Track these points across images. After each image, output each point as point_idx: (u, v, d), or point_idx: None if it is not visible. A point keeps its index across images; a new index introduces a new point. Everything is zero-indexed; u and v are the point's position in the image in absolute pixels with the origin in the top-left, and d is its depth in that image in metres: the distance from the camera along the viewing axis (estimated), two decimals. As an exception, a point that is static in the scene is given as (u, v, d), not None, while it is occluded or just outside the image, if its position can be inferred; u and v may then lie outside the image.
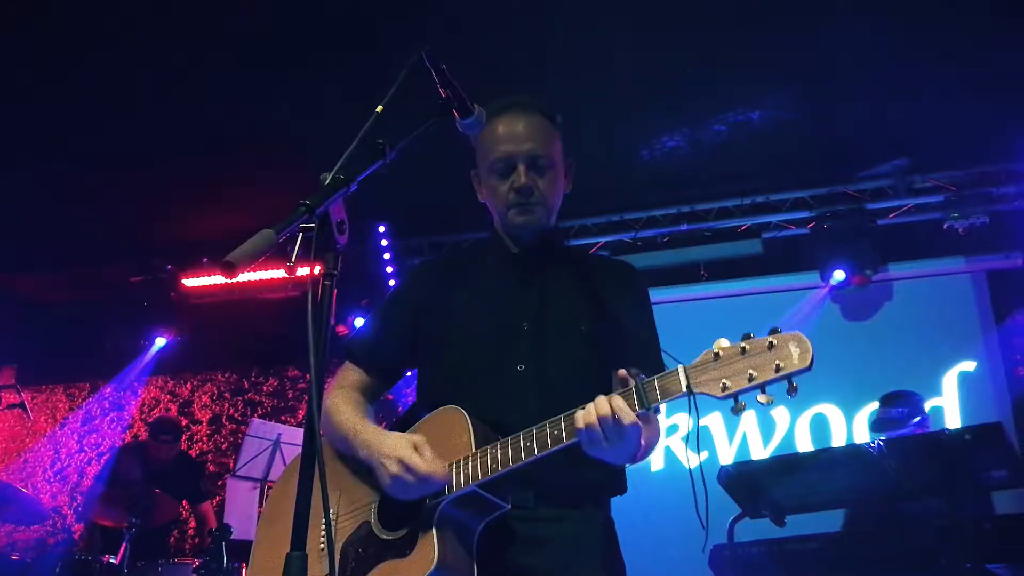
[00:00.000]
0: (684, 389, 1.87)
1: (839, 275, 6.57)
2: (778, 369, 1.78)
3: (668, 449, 6.89)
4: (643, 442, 2.08)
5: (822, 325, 6.81)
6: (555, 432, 2.00)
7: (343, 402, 2.39)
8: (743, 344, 1.84)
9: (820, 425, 6.63)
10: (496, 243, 2.49)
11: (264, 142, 6.19)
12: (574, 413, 1.97)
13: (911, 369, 6.31)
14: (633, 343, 2.30)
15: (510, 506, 2.15)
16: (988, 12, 5.10)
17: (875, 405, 5.61)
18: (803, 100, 5.96)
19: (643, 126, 6.24)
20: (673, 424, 6.90)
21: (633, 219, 7.08)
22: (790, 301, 6.91)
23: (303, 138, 5.89)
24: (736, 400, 1.84)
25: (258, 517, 5.39)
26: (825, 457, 4.74)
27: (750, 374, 1.81)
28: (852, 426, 6.53)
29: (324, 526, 2.25)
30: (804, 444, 6.58)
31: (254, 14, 5.10)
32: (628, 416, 1.91)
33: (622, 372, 1.99)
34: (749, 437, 6.76)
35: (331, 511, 2.30)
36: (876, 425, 5.38)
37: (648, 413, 1.95)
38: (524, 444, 2.04)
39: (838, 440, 6.50)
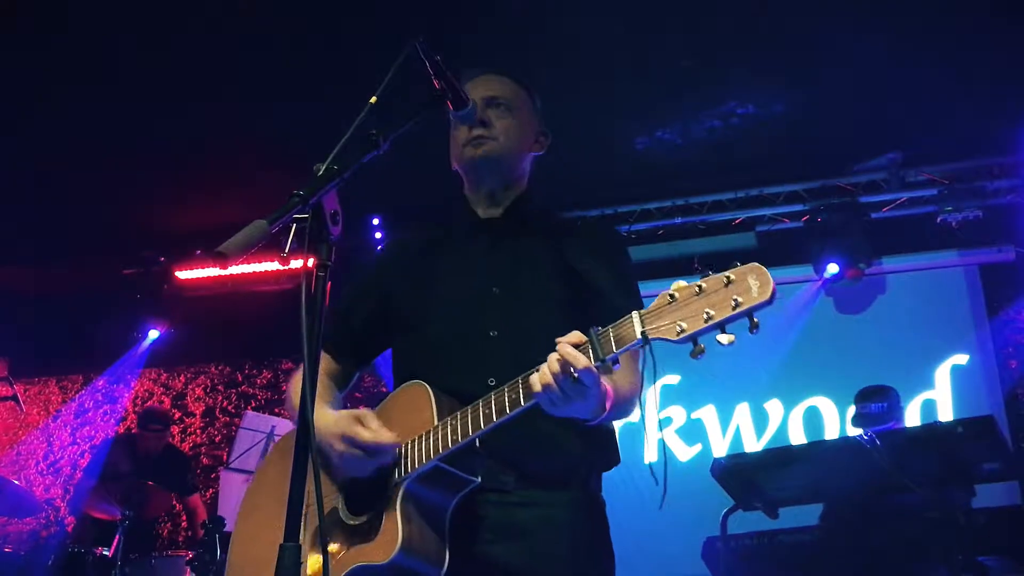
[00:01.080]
0: (639, 336, 1.74)
1: (833, 268, 6.58)
2: (736, 305, 1.65)
3: (661, 442, 6.89)
4: (610, 392, 1.98)
5: (816, 318, 6.83)
6: (512, 396, 1.92)
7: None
8: (699, 283, 1.72)
9: (813, 418, 6.65)
10: (466, 211, 2.44)
11: (258, 134, 6.18)
12: (530, 375, 1.88)
13: (904, 362, 6.34)
14: (609, 306, 2.12)
15: (480, 479, 2.06)
16: (981, 8, 5.10)
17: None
18: (797, 94, 5.96)
19: (637, 119, 6.24)
20: (667, 417, 6.92)
21: (627, 212, 7.08)
22: (784, 294, 6.87)
23: (297, 130, 5.88)
24: (695, 343, 1.71)
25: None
26: (818, 450, 4.76)
27: (707, 313, 1.67)
28: (845, 419, 6.54)
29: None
30: (797, 437, 6.60)
31: (248, 6, 5.09)
32: (583, 369, 1.80)
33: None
34: (742, 430, 6.78)
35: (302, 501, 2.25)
36: (856, 421, 5.41)
37: (608, 364, 1.83)
38: (483, 411, 1.95)
39: (831, 433, 6.52)
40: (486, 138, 2.33)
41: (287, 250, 1.57)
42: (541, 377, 1.84)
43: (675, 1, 5.13)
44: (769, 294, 1.63)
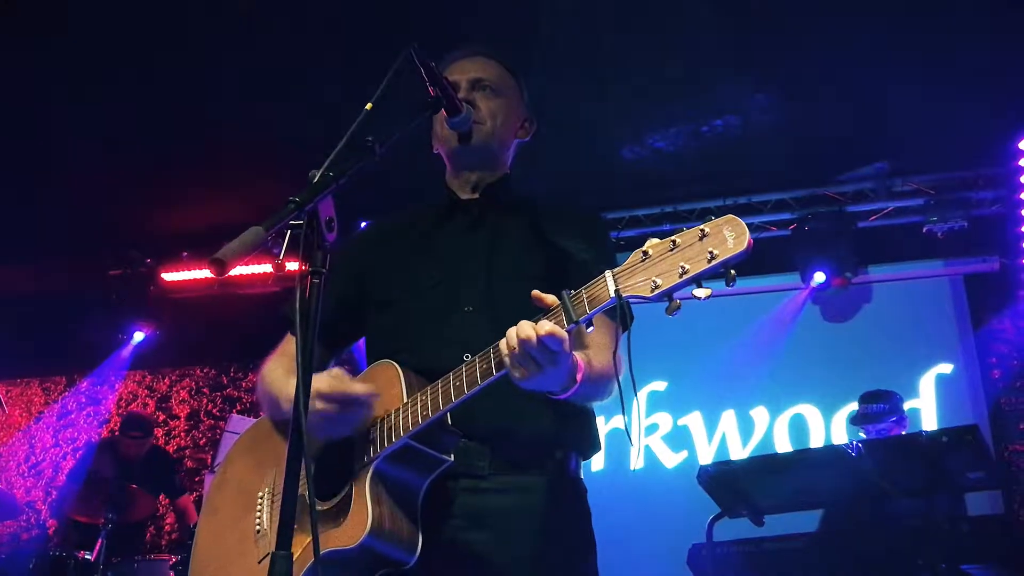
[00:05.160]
0: (612, 295, 1.69)
1: (819, 277, 6.61)
2: (711, 257, 1.60)
3: (648, 448, 6.91)
4: (582, 365, 1.90)
5: (802, 326, 6.86)
6: (484, 366, 1.85)
7: (275, 366, 2.32)
8: (673, 238, 1.67)
9: (799, 426, 6.68)
10: (446, 193, 2.42)
11: (247, 136, 6.16)
12: (499, 343, 1.82)
13: (889, 370, 6.36)
14: (585, 271, 1.97)
15: (452, 459, 2.00)
16: (970, 20, 5.15)
17: (854, 406, 5.67)
18: (785, 103, 5.99)
19: (626, 127, 6.25)
20: (653, 423, 6.93)
21: (616, 219, 7.10)
22: (771, 302, 6.95)
23: (283, 132, 5.88)
24: (670, 299, 1.66)
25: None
26: (804, 458, 4.77)
27: (682, 267, 1.62)
28: (830, 427, 6.58)
29: (258, 511, 2.18)
30: (783, 444, 6.62)
31: (234, 8, 5.08)
32: (546, 333, 1.74)
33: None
34: (728, 437, 6.80)
35: (268, 489, 2.20)
36: (855, 419, 5.44)
37: (582, 326, 1.76)
38: (453, 384, 1.89)
39: (816, 441, 6.55)
40: (474, 122, 2.28)
41: (281, 256, 1.57)
42: (507, 340, 1.78)
43: (664, 9, 5.15)
44: (745, 245, 1.59)
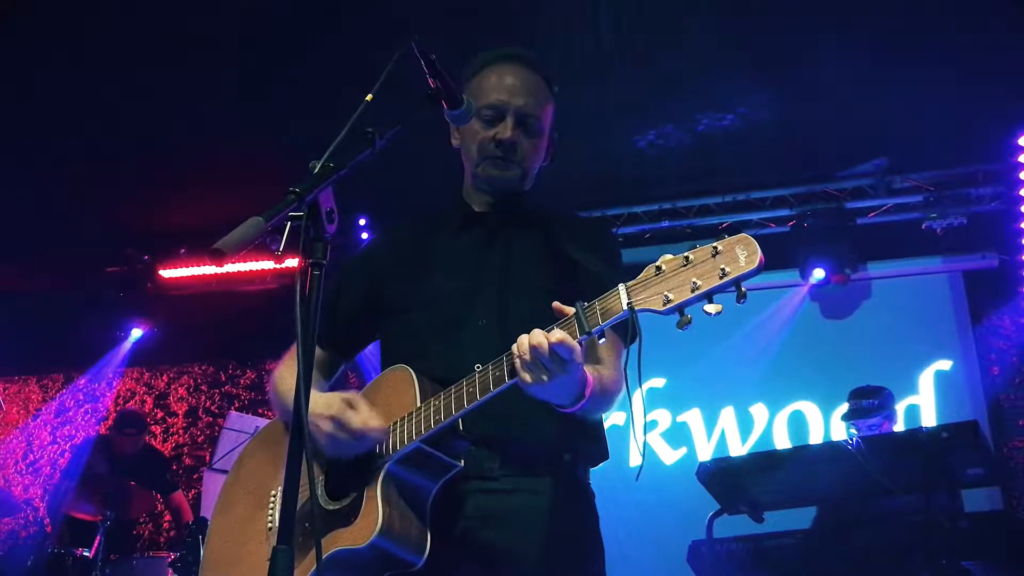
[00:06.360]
0: (624, 307, 1.74)
1: (819, 273, 6.61)
2: (723, 274, 1.66)
3: (646, 445, 6.90)
4: (591, 381, 1.95)
5: (801, 323, 6.85)
6: (497, 373, 1.90)
7: (288, 372, 2.32)
8: (687, 254, 1.72)
9: (798, 422, 6.68)
10: (460, 203, 2.42)
11: (245, 133, 6.15)
12: (512, 349, 1.86)
13: (888, 367, 6.36)
14: (598, 284, 2.00)
15: (463, 464, 2.04)
16: (968, 16, 5.14)
17: (853, 404, 5.67)
18: (784, 99, 5.98)
19: (625, 123, 6.25)
20: (652, 420, 6.93)
21: (614, 215, 7.09)
22: (770, 299, 6.94)
23: (283, 130, 5.86)
24: (681, 313, 1.71)
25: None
26: (803, 454, 4.76)
27: (694, 283, 1.68)
28: (829, 423, 6.58)
29: (270, 508, 2.20)
30: (782, 441, 6.62)
31: (226, 8, 5.08)
32: (557, 341, 1.78)
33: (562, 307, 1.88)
34: (727, 434, 6.80)
35: (281, 487, 2.19)
36: (846, 415, 5.47)
37: (594, 337, 1.81)
38: (467, 390, 1.94)
39: (816, 437, 6.55)
40: (511, 163, 2.30)
41: (282, 247, 1.55)
42: (518, 346, 1.83)
43: (663, 6, 5.14)
44: (756, 263, 1.64)
